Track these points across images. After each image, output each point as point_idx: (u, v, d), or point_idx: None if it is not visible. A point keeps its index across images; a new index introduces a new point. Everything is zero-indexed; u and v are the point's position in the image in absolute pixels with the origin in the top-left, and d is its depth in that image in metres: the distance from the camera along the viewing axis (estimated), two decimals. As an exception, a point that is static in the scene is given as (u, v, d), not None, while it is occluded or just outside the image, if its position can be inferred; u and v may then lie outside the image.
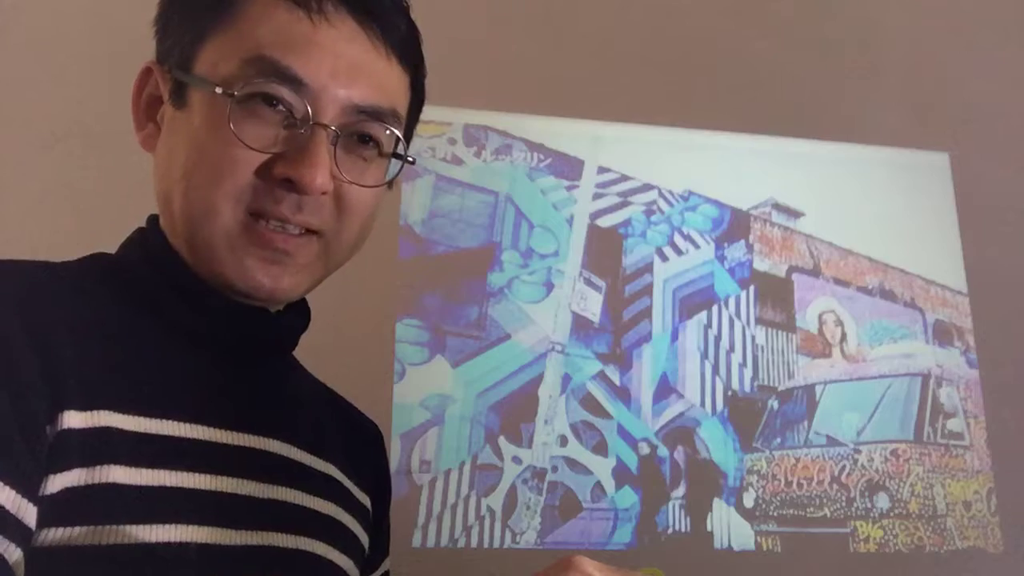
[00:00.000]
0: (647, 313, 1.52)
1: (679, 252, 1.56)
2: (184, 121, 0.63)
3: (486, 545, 1.34)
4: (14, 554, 0.47)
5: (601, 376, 1.46)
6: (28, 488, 0.48)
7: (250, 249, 0.61)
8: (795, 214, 1.63)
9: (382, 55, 0.65)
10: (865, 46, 1.74)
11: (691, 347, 1.51)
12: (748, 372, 1.52)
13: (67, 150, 1.37)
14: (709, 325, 1.53)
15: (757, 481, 1.46)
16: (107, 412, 0.53)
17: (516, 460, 1.39)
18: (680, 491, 1.43)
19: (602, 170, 1.57)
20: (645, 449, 1.44)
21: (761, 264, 1.59)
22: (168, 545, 0.53)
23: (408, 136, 0.72)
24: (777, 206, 1.63)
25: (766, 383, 1.52)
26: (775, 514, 1.45)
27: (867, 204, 1.66)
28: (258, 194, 0.61)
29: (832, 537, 1.45)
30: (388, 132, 0.65)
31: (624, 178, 1.58)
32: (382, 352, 1.39)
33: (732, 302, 1.56)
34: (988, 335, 1.62)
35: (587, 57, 1.60)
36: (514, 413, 1.41)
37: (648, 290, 1.53)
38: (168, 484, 0.55)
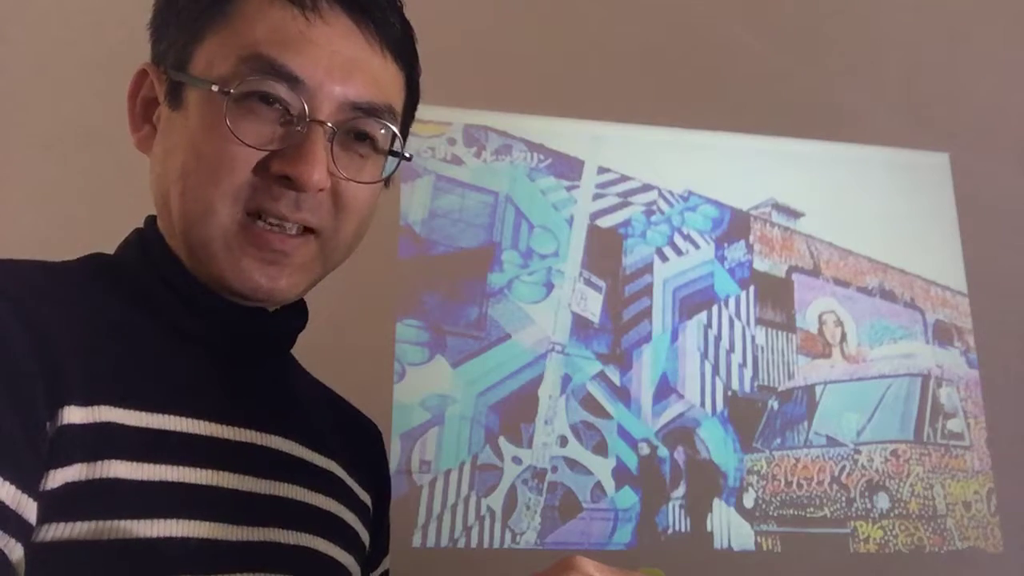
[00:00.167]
0: (647, 313, 1.52)
1: (679, 252, 1.56)
2: (180, 121, 0.63)
3: (486, 545, 1.34)
4: (15, 550, 0.47)
5: (601, 376, 1.46)
6: (28, 484, 0.48)
7: (247, 249, 0.61)
8: (795, 214, 1.63)
9: (377, 52, 0.65)
10: (865, 46, 1.74)
11: (691, 347, 1.51)
12: (748, 372, 1.52)
13: (65, 151, 1.37)
14: (709, 325, 1.53)
15: (757, 481, 1.46)
16: (108, 407, 0.53)
17: (516, 460, 1.39)
18: (680, 491, 1.43)
19: (602, 170, 1.57)
20: (645, 449, 1.44)
21: (761, 264, 1.59)
22: (169, 540, 0.53)
23: (404, 134, 0.72)
24: (777, 206, 1.63)
25: (766, 383, 1.52)
26: (775, 514, 1.45)
27: (867, 204, 1.66)
28: (256, 193, 0.61)
29: (832, 537, 1.45)
30: (384, 129, 0.65)
31: (624, 178, 1.58)
32: (382, 352, 1.39)
33: (732, 302, 1.56)
34: (988, 335, 1.62)
35: (587, 57, 1.60)
36: (514, 413, 1.41)
37: (648, 290, 1.53)
38: (169, 479, 0.55)
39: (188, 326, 0.63)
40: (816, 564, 1.44)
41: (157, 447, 0.55)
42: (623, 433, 1.44)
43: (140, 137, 0.67)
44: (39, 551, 0.49)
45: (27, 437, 0.49)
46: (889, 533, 1.47)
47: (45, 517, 0.49)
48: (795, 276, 1.60)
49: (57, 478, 0.50)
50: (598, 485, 1.40)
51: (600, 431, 1.43)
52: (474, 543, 1.34)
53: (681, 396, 1.48)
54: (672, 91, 1.62)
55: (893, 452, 1.52)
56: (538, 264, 1.50)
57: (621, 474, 1.42)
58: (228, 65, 0.61)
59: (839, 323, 1.59)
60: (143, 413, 0.55)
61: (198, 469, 0.57)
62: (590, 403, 1.44)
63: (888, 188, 1.67)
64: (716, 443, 1.47)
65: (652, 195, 1.58)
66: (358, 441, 0.79)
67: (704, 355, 1.51)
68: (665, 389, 1.48)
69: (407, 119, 0.72)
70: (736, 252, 1.58)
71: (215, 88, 0.60)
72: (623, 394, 1.46)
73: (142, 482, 0.53)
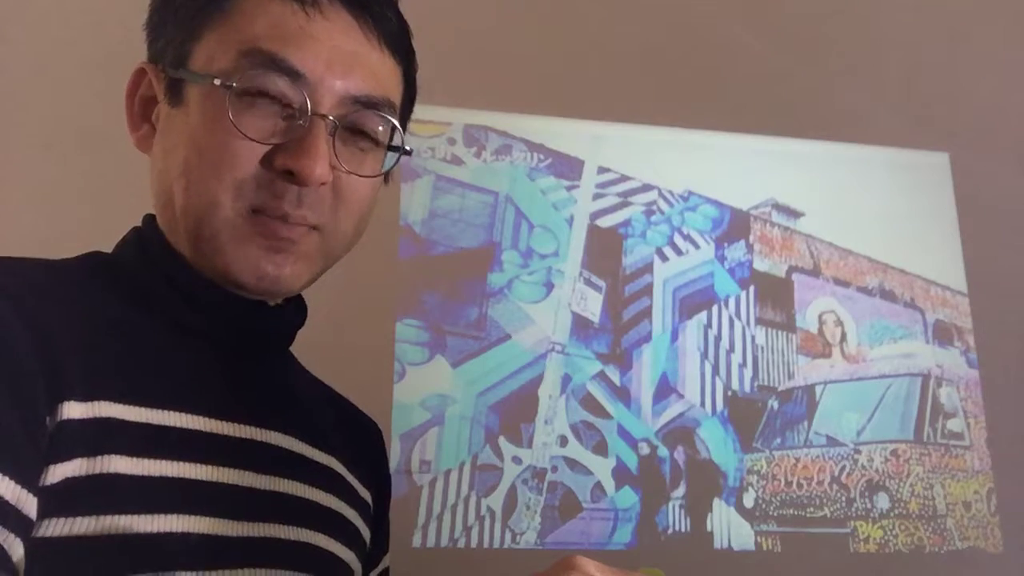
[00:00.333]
0: (647, 313, 1.52)
1: (679, 252, 1.56)
2: (181, 118, 0.63)
3: (486, 545, 1.34)
4: (15, 546, 0.47)
5: (601, 376, 1.46)
6: (28, 479, 0.48)
7: (255, 239, 0.61)
8: (795, 214, 1.63)
9: (375, 46, 0.65)
10: (865, 46, 1.74)
11: (691, 347, 1.51)
12: (748, 372, 1.52)
13: (65, 151, 1.37)
14: (709, 325, 1.53)
15: (757, 481, 1.46)
16: (107, 403, 0.53)
17: (516, 460, 1.39)
18: (680, 491, 1.43)
19: (602, 170, 1.57)
20: (645, 449, 1.44)
21: (761, 264, 1.59)
22: (169, 535, 0.53)
23: (403, 129, 0.72)
24: (777, 206, 1.63)
25: (766, 383, 1.52)
26: (775, 514, 1.45)
27: (867, 204, 1.66)
28: (259, 188, 0.61)
29: (832, 537, 1.45)
30: (384, 122, 0.66)
31: (624, 178, 1.58)
32: (382, 352, 1.39)
33: (732, 302, 1.56)
34: (988, 335, 1.62)
35: (587, 57, 1.60)
36: (514, 413, 1.41)
37: (648, 290, 1.53)
38: (169, 474, 0.55)
39: (188, 321, 0.63)
40: (816, 564, 1.43)
41: (157, 442, 0.55)
42: (623, 433, 1.44)
43: (139, 136, 0.67)
44: (39, 546, 0.49)
45: (27, 433, 0.49)
46: (889, 533, 1.47)
47: (45, 512, 0.49)
48: (795, 276, 1.60)
49: (57, 473, 0.50)
50: (598, 485, 1.40)
51: (600, 431, 1.43)
52: (474, 543, 1.34)
53: (681, 396, 1.48)
54: (672, 91, 1.62)
55: (893, 452, 1.52)
56: (538, 264, 1.50)
57: (621, 474, 1.42)
58: (228, 60, 0.61)
59: (839, 323, 1.59)
60: (143, 409, 0.55)
61: (198, 465, 0.57)
62: (590, 403, 1.44)
63: (888, 188, 1.67)
64: (716, 443, 1.47)
65: (652, 195, 1.58)
66: (358, 438, 0.79)
67: (704, 355, 1.51)
68: (665, 389, 1.48)
69: (405, 114, 0.73)
70: (736, 252, 1.58)
71: (217, 82, 0.60)
72: (623, 394, 1.46)
73: (142, 477, 0.53)
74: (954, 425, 1.56)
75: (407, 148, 0.69)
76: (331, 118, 0.62)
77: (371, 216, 0.71)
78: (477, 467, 1.37)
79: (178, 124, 0.63)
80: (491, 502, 1.36)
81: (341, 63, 0.62)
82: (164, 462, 0.55)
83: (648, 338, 1.50)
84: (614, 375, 1.46)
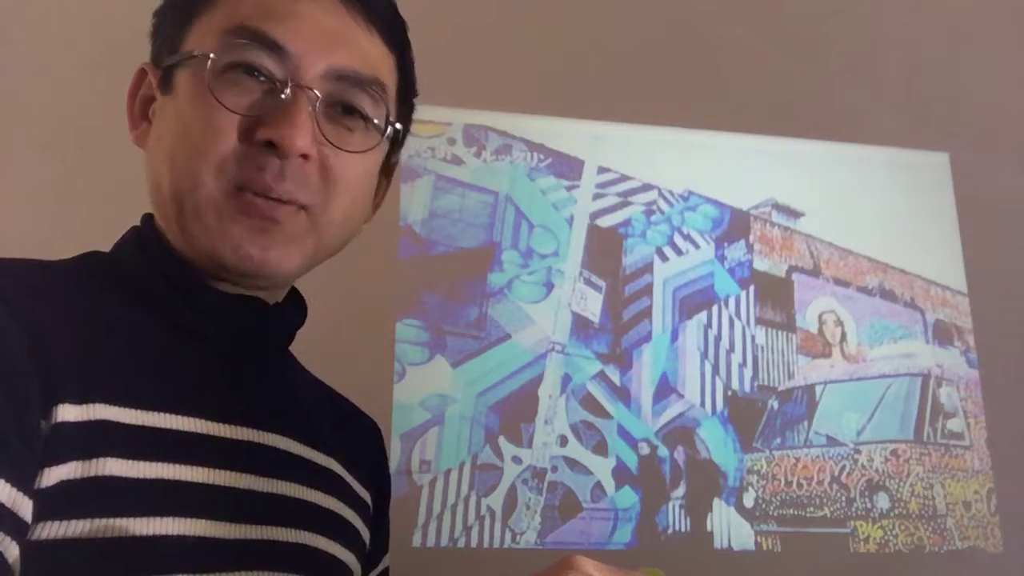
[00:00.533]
0: (647, 313, 1.51)
1: (679, 252, 1.56)
2: (171, 105, 0.63)
3: (486, 545, 1.34)
4: (10, 549, 0.47)
5: (601, 376, 1.46)
6: (23, 482, 0.48)
7: (237, 217, 0.61)
8: (795, 214, 1.63)
9: (363, 27, 0.65)
10: (865, 46, 1.74)
11: (691, 347, 1.51)
12: (748, 372, 1.52)
13: (65, 151, 1.37)
14: (709, 325, 1.53)
15: (757, 481, 1.46)
16: (102, 405, 0.53)
17: (516, 460, 1.39)
18: (680, 491, 1.43)
19: (602, 170, 1.57)
20: (645, 449, 1.44)
21: (761, 264, 1.59)
22: (165, 538, 0.53)
23: (404, 126, 0.71)
24: (777, 206, 1.63)
25: (766, 383, 1.52)
26: (775, 514, 1.45)
27: (867, 204, 1.66)
28: (241, 163, 0.60)
29: (832, 537, 1.45)
30: (372, 100, 0.65)
31: (624, 178, 1.58)
32: (382, 352, 1.39)
33: (732, 302, 1.56)
34: (988, 335, 1.62)
35: (587, 57, 1.60)
36: (514, 413, 1.41)
37: (648, 290, 1.53)
38: (165, 477, 0.54)
39: (187, 322, 0.62)
40: (816, 564, 1.43)
41: (153, 445, 0.55)
42: (623, 433, 1.44)
43: (138, 134, 0.68)
44: (35, 550, 0.48)
45: (21, 435, 0.49)
46: (889, 533, 1.47)
47: (40, 515, 0.49)
48: (795, 276, 1.60)
49: (52, 476, 0.50)
50: (598, 485, 1.40)
51: (600, 431, 1.43)
52: (474, 543, 1.34)
53: (681, 396, 1.48)
54: (672, 91, 1.62)
55: (893, 452, 1.52)
56: (538, 264, 1.50)
57: (621, 474, 1.42)
58: (214, 40, 0.62)
59: (839, 323, 1.59)
60: (139, 411, 0.55)
61: (195, 467, 0.56)
62: (590, 403, 1.44)
63: (888, 188, 1.67)
64: (716, 443, 1.47)
65: (652, 195, 1.58)
66: (358, 438, 0.79)
67: (704, 355, 1.51)
68: (665, 389, 1.48)
69: (404, 108, 0.72)
70: (736, 252, 1.58)
71: (197, 52, 0.61)
72: (623, 394, 1.46)
73: (138, 480, 0.53)
74: (954, 425, 1.56)
75: (397, 125, 0.68)
76: (314, 91, 0.61)
77: (367, 204, 0.70)
78: (477, 467, 1.37)
79: (169, 111, 0.64)
80: (491, 502, 1.36)
81: (325, 38, 0.62)
82: (160, 464, 0.54)
83: (648, 338, 1.50)
84: (614, 375, 1.46)
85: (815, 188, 1.65)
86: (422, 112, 0.76)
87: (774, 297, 1.58)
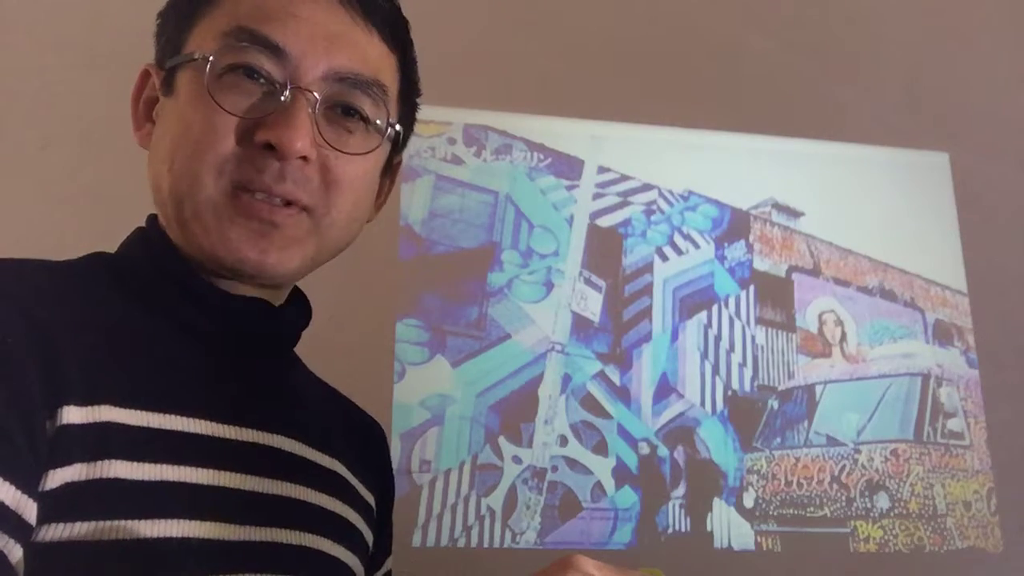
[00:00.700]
0: (647, 313, 1.51)
1: (679, 252, 1.56)
2: (173, 106, 0.64)
3: (486, 545, 1.34)
4: (14, 551, 0.47)
5: (601, 376, 1.46)
6: (28, 484, 0.48)
7: (236, 219, 0.61)
8: (795, 214, 1.63)
9: (362, 27, 0.65)
10: (865, 46, 1.74)
11: (691, 347, 1.51)
12: (748, 372, 1.52)
13: (65, 151, 1.37)
14: (709, 325, 1.53)
15: (757, 481, 1.46)
16: (108, 407, 0.53)
17: (516, 460, 1.39)
18: (680, 491, 1.43)
19: (602, 170, 1.57)
20: (645, 449, 1.44)
21: (761, 264, 1.59)
22: (170, 540, 0.53)
23: (406, 127, 0.71)
24: (777, 206, 1.63)
25: (766, 383, 1.52)
26: (775, 514, 1.45)
27: (867, 204, 1.66)
28: (241, 164, 0.60)
29: (832, 537, 1.45)
30: (372, 102, 0.65)
31: (624, 178, 1.58)
32: (382, 352, 1.38)
33: (732, 302, 1.56)
34: (988, 335, 1.62)
35: (587, 57, 1.60)
36: (514, 413, 1.41)
37: (648, 290, 1.53)
38: (170, 479, 0.54)
39: (193, 323, 0.62)
40: (816, 564, 1.44)
41: (158, 447, 0.55)
42: (623, 433, 1.44)
43: (142, 135, 0.68)
44: (39, 551, 0.48)
45: (27, 437, 0.49)
46: (889, 533, 1.47)
47: (45, 517, 0.49)
48: (795, 276, 1.60)
49: (57, 478, 0.49)
50: (598, 485, 1.40)
51: (600, 431, 1.43)
52: (474, 543, 1.34)
53: (681, 396, 1.48)
54: (672, 91, 1.62)
55: (893, 452, 1.52)
56: (538, 264, 1.50)
57: (621, 474, 1.42)
58: (214, 41, 0.62)
59: (839, 323, 1.59)
60: (144, 412, 0.55)
61: (200, 469, 0.56)
62: (590, 403, 1.44)
63: (888, 188, 1.67)
64: (716, 443, 1.47)
65: (652, 195, 1.58)
66: (363, 441, 0.78)
67: (704, 355, 1.51)
68: (665, 389, 1.48)
69: (406, 110, 0.72)
70: (736, 252, 1.58)
71: (197, 54, 0.61)
72: (623, 394, 1.46)
73: (142, 482, 0.53)
74: (954, 425, 1.56)
75: (398, 127, 0.68)
76: (313, 93, 0.61)
77: (369, 205, 0.70)
78: (477, 467, 1.37)
79: (170, 112, 0.64)
80: (491, 502, 1.36)
81: (324, 39, 0.62)
82: (165, 466, 0.54)
83: (648, 338, 1.50)
84: (614, 375, 1.46)
85: (815, 188, 1.65)
86: (422, 112, 0.76)
87: (774, 297, 1.58)
